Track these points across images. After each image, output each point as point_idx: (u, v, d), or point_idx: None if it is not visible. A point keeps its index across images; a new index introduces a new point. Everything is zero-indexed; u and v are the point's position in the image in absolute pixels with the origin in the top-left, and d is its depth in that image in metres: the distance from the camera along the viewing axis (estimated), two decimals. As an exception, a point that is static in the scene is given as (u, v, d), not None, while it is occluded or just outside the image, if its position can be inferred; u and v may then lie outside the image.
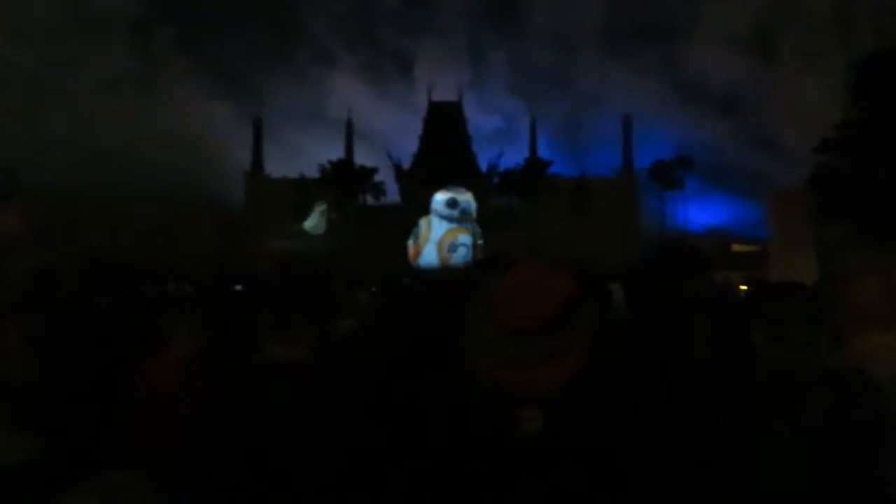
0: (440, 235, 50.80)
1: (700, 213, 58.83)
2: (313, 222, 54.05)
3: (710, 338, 2.84)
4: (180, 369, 2.25)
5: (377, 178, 55.26)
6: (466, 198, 49.82)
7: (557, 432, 1.17)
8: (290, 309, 1.70)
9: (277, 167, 57.78)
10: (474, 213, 49.62)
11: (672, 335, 3.07)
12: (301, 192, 54.99)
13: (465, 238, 50.72)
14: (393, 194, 55.70)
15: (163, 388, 2.17)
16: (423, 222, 50.04)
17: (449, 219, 49.36)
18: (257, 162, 57.66)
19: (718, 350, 2.22)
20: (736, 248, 52.85)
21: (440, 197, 49.07)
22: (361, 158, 56.42)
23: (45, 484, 0.71)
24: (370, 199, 55.91)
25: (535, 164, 55.33)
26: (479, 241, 49.95)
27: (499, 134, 67.38)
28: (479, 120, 63.47)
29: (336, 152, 56.56)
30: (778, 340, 1.67)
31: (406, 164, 55.63)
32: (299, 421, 1.52)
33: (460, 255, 51.67)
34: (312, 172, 54.82)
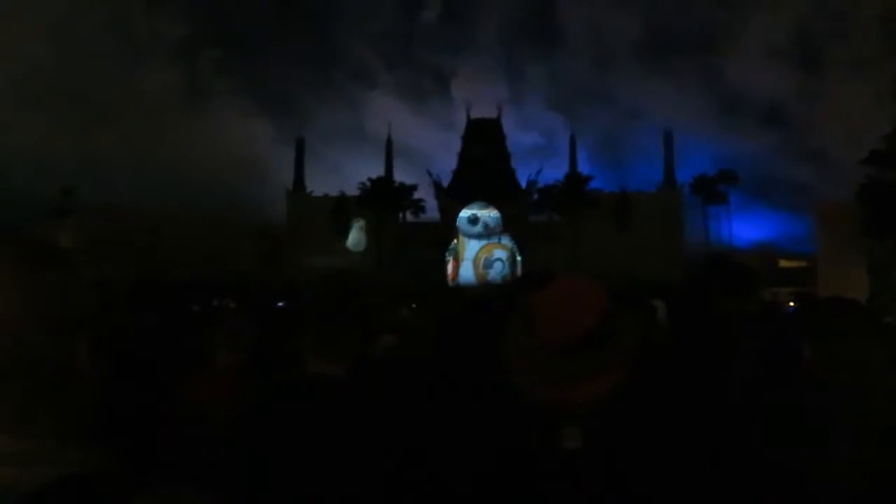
0: (475, 253, 50.94)
1: (745, 228, 57.65)
2: (354, 239, 54.57)
3: (757, 355, 2.77)
4: (225, 382, 2.30)
5: (417, 195, 55.67)
6: (488, 213, 49.95)
7: (598, 450, 1.16)
8: (331, 325, 1.71)
9: (318, 185, 58.68)
10: (499, 226, 49.67)
11: (717, 352, 3.00)
12: (341, 210, 55.64)
13: (500, 253, 50.81)
14: (432, 211, 55.96)
15: (209, 400, 2.21)
16: (457, 241, 50.39)
17: (474, 236, 49.62)
18: (299, 180, 58.60)
19: (766, 367, 2.16)
20: (783, 263, 51.57)
21: (462, 214, 49.33)
22: (401, 176, 56.96)
23: (108, 495, 0.73)
24: (410, 216, 56.25)
25: (575, 180, 54.98)
26: (517, 257, 49.89)
27: (538, 149, 67.28)
28: (519, 136, 63.53)
29: (376, 170, 57.22)
30: (829, 358, 1.62)
31: (445, 182, 55.88)
32: (340, 436, 1.53)
33: (497, 271, 51.70)
34: (352, 190, 55.51)
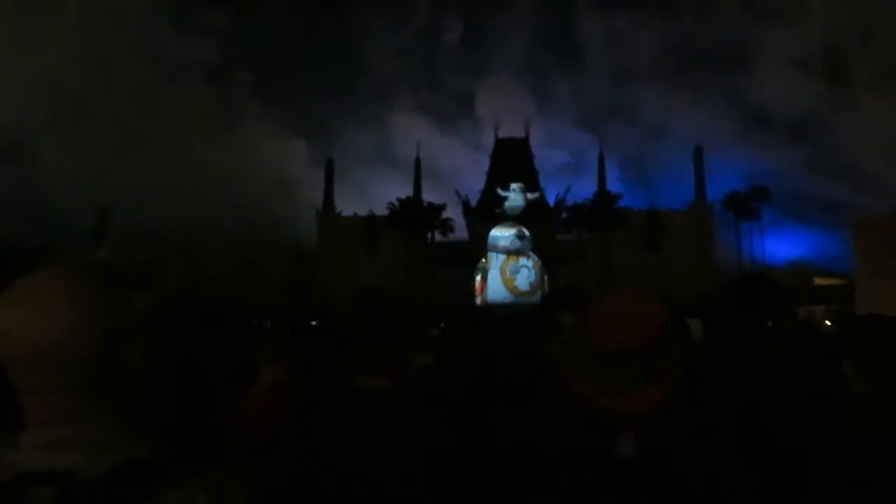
0: (501, 263, 51.01)
1: (778, 245, 56.65)
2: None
3: (794, 373, 2.76)
4: (272, 398, 2.36)
5: (445, 214, 55.83)
6: (524, 232, 50.34)
7: (652, 457, 1.19)
8: (375, 341, 1.76)
9: (347, 206, 59.24)
10: (530, 244, 49.99)
11: (754, 372, 2.99)
12: (371, 230, 56.04)
13: (524, 261, 50.79)
14: (461, 231, 56.05)
15: (256, 416, 2.28)
16: (485, 259, 50.76)
17: (510, 251, 49.82)
18: (328, 200, 59.22)
19: (804, 385, 2.16)
20: (818, 281, 50.51)
21: (504, 233, 49.57)
22: (429, 196, 57.21)
23: (163, 479, 0.83)
24: (439, 236, 56.41)
25: (604, 197, 54.69)
26: (543, 274, 49.83)
27: (566, 167, 67.12)
28: (547, 154, 63.41)
29: (404, 191, 57.57)
30: (871, 375, 1.62)
31: (474, 201, 55.99)
32: (394, 448, 1.58)
33: (524, 277, 51.65)
34: (381, 211, 55.88)
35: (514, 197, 51.73)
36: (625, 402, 1.19)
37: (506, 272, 52.39)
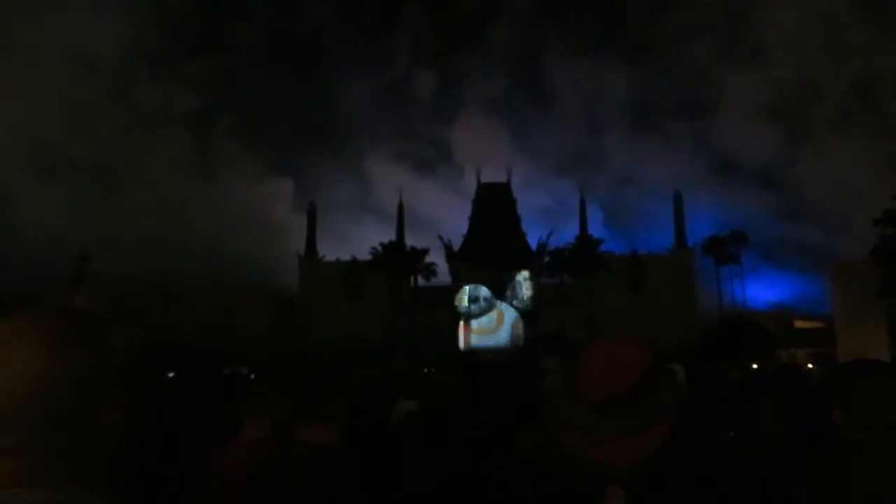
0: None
1: (758, 289, 57.27)
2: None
3: (777, 416, 2.75)
4: (256, 450, 2.30)
5: (428, 258, 55.90)
6: (480, 290, 51.17)
7: None
8: (315, 393, 1.73)
9: (330, 251, 59.22)
10: (492, 297, 50.76)
11: (738, 415, 2.98)
12: (353, 275, 55.89)
13: (483, 321, 51.37)
14: (444, 275, 56.10)
15: (238, 469, 2.22)
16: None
17: (476, 314, 50.73)
18: (311, 245, 59.14)
19: (789, 430, 2.15)
20: (798, 324, 50.95)
21: (463, 302, 50.65)
22: (412, 241, 57.34)
23: None
24: (421, 280, 56.36)
25: (586, 242, 55.14)
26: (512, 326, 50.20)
27: (548, 212, 67.77)
28: (528, 199, 64.02)
29: (387, 236, 57.69)
30: (861, 421, 1.60)
31: (456, 246, 56.20)
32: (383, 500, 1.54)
33: (478, 306, 52.05)
34: (364, 256, 55.86)
35: (463, 305, 52.91)
36: (614, 453, 1.15)
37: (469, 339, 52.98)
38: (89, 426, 0.83)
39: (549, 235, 55.65)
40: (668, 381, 1.22)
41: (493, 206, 57.62)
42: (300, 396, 1.72)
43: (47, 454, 0.80)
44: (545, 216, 64.14)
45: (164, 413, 2.72)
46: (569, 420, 1.20)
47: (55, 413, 0.80)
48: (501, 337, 51.45)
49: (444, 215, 65.02)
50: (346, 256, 57.76)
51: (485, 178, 60.58)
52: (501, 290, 53.55)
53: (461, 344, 51.53)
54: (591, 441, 1.17)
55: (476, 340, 51.57)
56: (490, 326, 52.65)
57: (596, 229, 58.95)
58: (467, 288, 52.30)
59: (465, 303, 51.98)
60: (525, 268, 53.69)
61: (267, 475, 1.70)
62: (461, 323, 52.72)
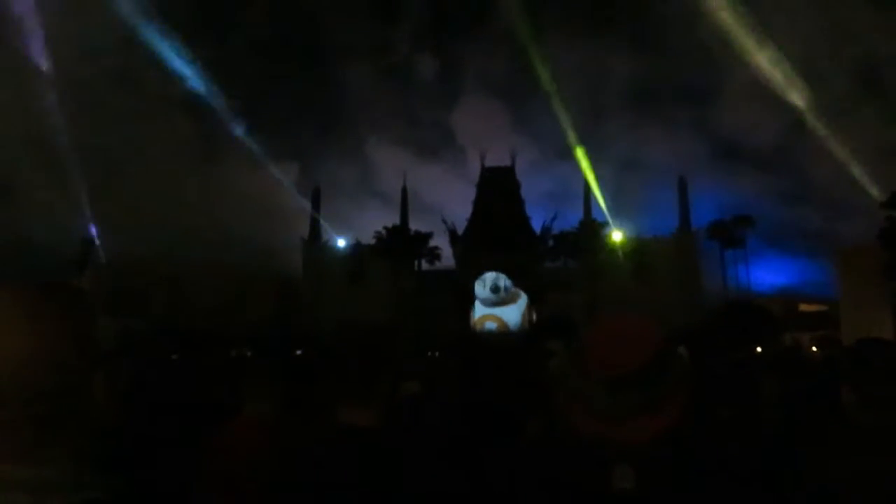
0: (475, 318, 51.52)
1: (763, 272, 57.18)
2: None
3: (782, 400, 2.74)
4: (255, 432, 2.31)
5: (432, 243, 55.87)
6: (503, 280, 50.72)
7: (650, 491, 1.15)
8: (363, 374, 1.71)
9: (334, 236, 59.21)
10: (513, 287, 50.32)
11: (742, 399, 2.97)
12: (357, 259, 55.94)
13: (490, 325, 51.11)
14: (448, 259, 56.09)
15: (238, 450, 2.22)
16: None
17: (495, 303, 50.27)
18: (315, 229, 59.15)
19: (797, 412, 2.14)
20: (803, 307, 50.89)
21: (482, 290, 50.04)
22: (416, 226, 57.27)
23: None
24: (425, 265, 56.37)
25: (590, 226, 55.02)
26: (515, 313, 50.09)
27: (552, 196, 67.51)
28: (532, 182, 63.79)
29: (390, 221, 57.61)
30: (869, 401, 1.59)
31: (460, 230, 56.13)
32: (380, 486, 1.53)
33: (499, 296, 51.83)
34: (368, 241, 55.85)
35: (480, 290, 52.46)
36: (623, 432, 1.14)
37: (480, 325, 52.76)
38: (74, 402, 0.81)
39: (553, 219, 55.58)
40: (675, 360, 1.21)
41: (497, 190, 57.45)
42: (344, 378, 1.70)
43: (28, 430, 0.79)
44: (549, 200, 64.00)
45: (164, 394, 2.73)
46: (578, 399, 1.19)
47: (39, 387, 0.79)
48: (513, 322, 51.51)
49: (448, 199, 65.10)
50: (350, 241, 57.78)
51: (489, 162, 60.40)
52: (506, 273, 53.53)
53: (472, 327, 51.62)
54: (601, 419, 1.16)
55: (489, 325, 51.63)
56: (506, 314, 52.64)
57: (600, 213, 58.85)
58: (488, 276, 51.93)
59: (487, 292, 51.66)
60: (529, 251, 53.63)
61: (298, 456, 1.68)
62: (475, 308, 52.69)
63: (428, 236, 55.65)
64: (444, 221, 55.88)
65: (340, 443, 1.60)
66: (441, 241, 56.03)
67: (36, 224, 56.62)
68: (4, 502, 0.75)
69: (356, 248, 56.66)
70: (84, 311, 0.86)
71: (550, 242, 55.12)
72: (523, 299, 52.25)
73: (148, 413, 2.30)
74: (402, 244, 54.28)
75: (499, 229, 53.18)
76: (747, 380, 3.27)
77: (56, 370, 0.80)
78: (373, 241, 55.30)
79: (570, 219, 56.59)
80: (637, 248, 54.74)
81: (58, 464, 0.79)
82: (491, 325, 50.78)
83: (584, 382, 1.17)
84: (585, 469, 1.17)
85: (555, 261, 55.26)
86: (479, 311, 51.91)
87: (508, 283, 51.17)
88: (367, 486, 1.50)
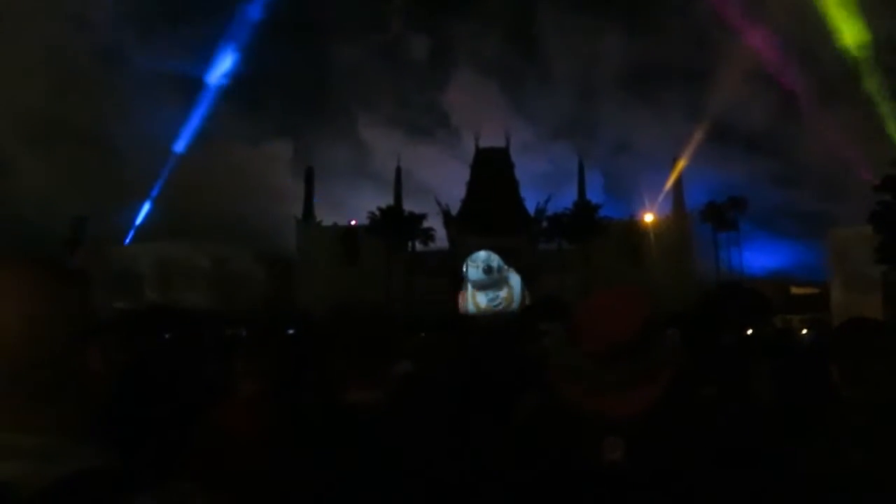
0: (471, 293, 51.77)
1: (755, 255, 57.42)
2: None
3: (772, 379, 2.77)
4: (248, 410, 2.32)
5: (426, 224, 55.84)
6: (493, 259, 50.84)
7: (639, 462, 1.17)
8: (365, 353, 1.73)
9: (327, 215, 59.11)
10: (504, 266, 50.50)
11: (734, 380, 3.01)
12: (351, 239, 55.90)
13: (494, 293, 51.32)
14: (442, 241, 56.11)
15: (234, 428, 2.24)
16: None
17: (486, 285, 50.43)
18: (308, 209, 59.00)
19: (787, 391, 2.17)
20: (795, 290, 51.22)
21: (474, 271, 50.15)
22: (410, 207, 57.17)
23: (113, 491, 0.76)
24: (419, 245, 56.39)
25: (584, 208, 55.07)
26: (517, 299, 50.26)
27: (546, 177, 67.47)
28: (527, 163, 63.68)
29: (384, 202, 57.51)
30: (858, 379, 1.61)
31: (455, 211, 56.09)
32: (382, 461, 1.54)
33: (492, 277, 52.20)
34: (362, 221, 55.78)
35: (473, 272, 52.43)
36: (614, 404, 1.16)
37: (478, 303, 52.85)
38: (70, 376, 0.83)
39: (547, 201, 55.60)
40: (664, 335, 1.22)
41: (492, 171, 57.38)
42: (354, 356, 1.71)
43: (24, 400, 0.80)
44: (543, 181, 63.88)
45: (157, 372, 2.73)
46: (569, 371, 1.20)
47: (35, 360, 0.80)
48: (510, 298, 51.68)
49: (443, 180, 64.69)
50: (343, 221, 57.72)
51: (483, 143, 60.24)
52: (499, 254, 53.65)
53: (468, 308, 51.79)
54: (592, 392, 1.17)
55: (482, 306, 51.84)
56: (498, 295, 52.84)
57: (594, 194, 58.88)
58: (480, 255, 51.96)
59: (480, 273, 51.76)
60: (523, 233, 53.71)
61: (308, 433, 1.69)
62: (467, 289, 52.79)
63: (422, 217, 55.62)
64: (438, 203, 55.88)
65: (349, 419, 1.61)
66: (435, 223, 56.08)
67: (25, 202, 56.30)
68: (7, 470, 0.75)
69: (350, 229, 56.59)
70: (78, 285, 0.87)
71: (545, 224, 55.18)
72: (517, 279, 52.42)
73: (141, 389, 2.31)
74: (395, 225, 54.21)
75: (493, 211, 53.18)
76: (735, 359, 3.31)
77: (51, 342, 0.81)
78: (366, 222, 55.24)
79: (565, 200, 56.66)
80: (630, 230, 54.91)
81: (56, 433, 0.80)
82: (486, 302, 50.91)
83: (575, 355, 1.18)
84: (574, 441, 1.18)
85: (549, 242, 55.37)
86: (471, 290, 52.09)
87: (500, 262, 51.23)
88: (375, 461, 1.51)
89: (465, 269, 52.77)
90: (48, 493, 0.73)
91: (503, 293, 52.09)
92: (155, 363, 3.14)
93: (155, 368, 2.76)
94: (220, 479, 1.84)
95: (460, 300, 52.91)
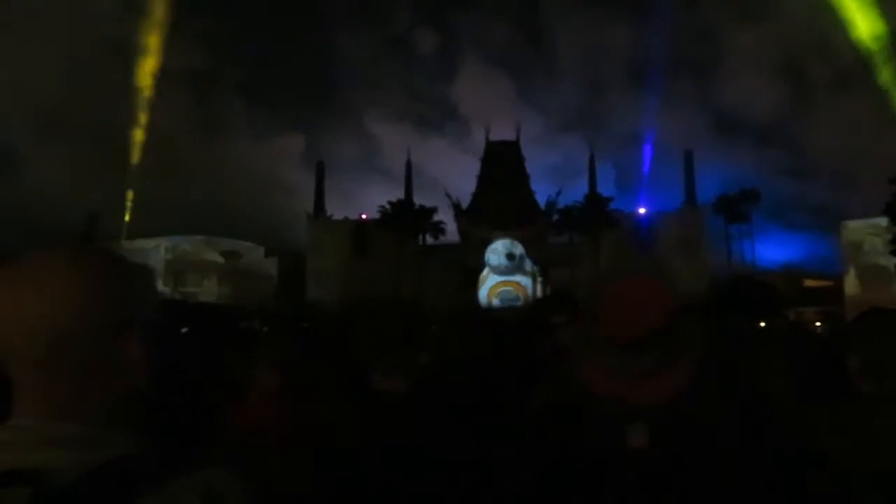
0: (489, 286, 51.41)
1: (768, 248, 56.99)
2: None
3: (786, 372, 2.77)
4: (270, 402, 2.36)
5: (436, 217, 55.72)
6: (515, 247, 50.48)
7: (663, 448, 1.17)
8: (393, 342, 1.76)
9: (338, 210, 59.14)
10: (524, 256, 50.21)
11: (746, 370, 3.01)
12: (361, 233, 55.90)
13: (508, 292, 51.05)
14: (452, 234, 56.00)
15: (255, 419, 2.28)
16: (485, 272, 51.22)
17: (506, 271, 50.02)
18: (319, 204, 59.03)
19: (802, 384, 2.17)
20: (808, 283, 50.79)
21: (494, 257, 49.75)
22: (420, 200, 57.07)
23: (147, 478, 0.78)
24: (430, 239, 56.28)
25: (595, 200, 54.76)
26: (534, 289, 50.00)
27: (557, 170, 67.11)
28: (538, 157, 63.41)
29: (394, 196, 57.42)
30: (875, 370, 1.59)
31: (465, 204, 55.92)
32: (409, 449, 1.57)
33: (514, 263, 51.97)
34: (373, 216, 55.74)
35: (495, 259, 52.04)
36: (638, 391, 1.16)
37: (491, 298, 52.64)
38: (112, 366, 0.84)
39: (558, 193, 55.29)
40: (688, 325, 1.23)
41: (502, 164, 57.08)
42: (380, 347, 1.75)
43: (68, 388, 0.82)
44: (554, 174, 63.60)
45: (186, 362, 2.78)
46: (593, 359, 1.21)
47: (84, 349, 0.81)
48: (530, 288, 51.47)
49: (453, 174, 64.64)
50: (354, 215, 57.68)
51: (493, 136, 59.99)
52: (510, 248, 53.49)
53: (483, 299, 51.64)
54: (616, 379, 1.18)
55: (502, 296, 51.69)
56: (523, 282, 52.62)
57: (605, 188, 58.53)
58: (501, 244, 51.64)
59: (502, 258, 51.35)
60: (534, 226, 53.50)
61: (332, 422, 1.72)
62: (487, 278, 52.47)
63: (432, 211, 55.50)
64: (448, 196, 55.74)
65: (379, 405, 1.64)
66: (445, 216, 55.95)
67: (38, 199, 56.63)
68: (51, 457, 0.78)
69: (360, 223, 56.57)
70: (129, 275, 0.88)
71: (555, 217, 54.93)
72: (533, 269, 52.28)
73: (177, 377, 2.35)
74: (406, 219, 54.15)
75: (504, 204, 52.98)
76: (753, 353, 3.31)
77: (91, 332, 0.82)
78: (377, 216, 55.19)
79: (576, 193, 56.36)
80: (641, 223, 54.54)
81: (97, 421, 0.82)
82: (508, 293, 50.69)
83: (600, 343, 1.19)
84: (600, 427, 1.18)
85: (560, 235, 55.12)
86: (493, 280, 51.73)
87: (522, 249, 50.97)
88: (401, 449, 1.54)
89: (485, 257, 52.46)
90: (89, 478, 0.76)
91: (525, 280, 51.84)
92: (171, 359, 3.18)
93: (179, 361, 2.81)
94: (249, 468, 1.88)
95: (484, 291, 52.73)
